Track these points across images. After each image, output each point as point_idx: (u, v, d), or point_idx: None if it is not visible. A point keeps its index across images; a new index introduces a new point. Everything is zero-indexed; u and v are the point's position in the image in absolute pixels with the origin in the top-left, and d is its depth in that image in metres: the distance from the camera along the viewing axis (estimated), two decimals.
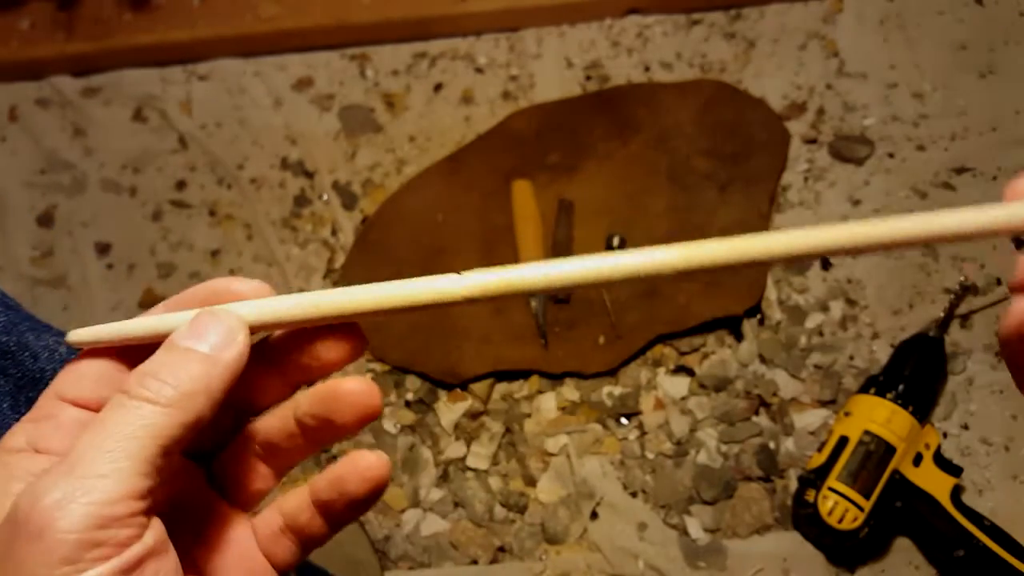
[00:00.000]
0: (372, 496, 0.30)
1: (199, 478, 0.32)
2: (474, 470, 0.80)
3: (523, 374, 0.83)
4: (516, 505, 0.78)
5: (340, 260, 0.90)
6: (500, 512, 0.79)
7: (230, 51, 1.01)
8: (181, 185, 0.96)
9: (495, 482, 0.80)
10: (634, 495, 0.78)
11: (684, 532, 0.76)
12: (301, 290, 0.30)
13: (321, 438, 0.31)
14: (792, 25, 0.97)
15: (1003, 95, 0.91)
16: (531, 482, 0.79)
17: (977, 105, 0.91)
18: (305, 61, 1.00)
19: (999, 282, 0.83)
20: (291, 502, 0.31)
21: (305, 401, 0.30)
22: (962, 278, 0.82)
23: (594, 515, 0.78)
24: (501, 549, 0.78)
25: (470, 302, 0.29)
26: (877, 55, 0.94)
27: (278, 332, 0.30)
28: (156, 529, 0.25)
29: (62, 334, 0.41)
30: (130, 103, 1.01)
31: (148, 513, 0.25)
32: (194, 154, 0.97)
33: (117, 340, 0.29)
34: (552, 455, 0.80)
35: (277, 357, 0.31)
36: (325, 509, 0.31)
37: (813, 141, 0.91)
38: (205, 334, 0.27)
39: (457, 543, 0.78)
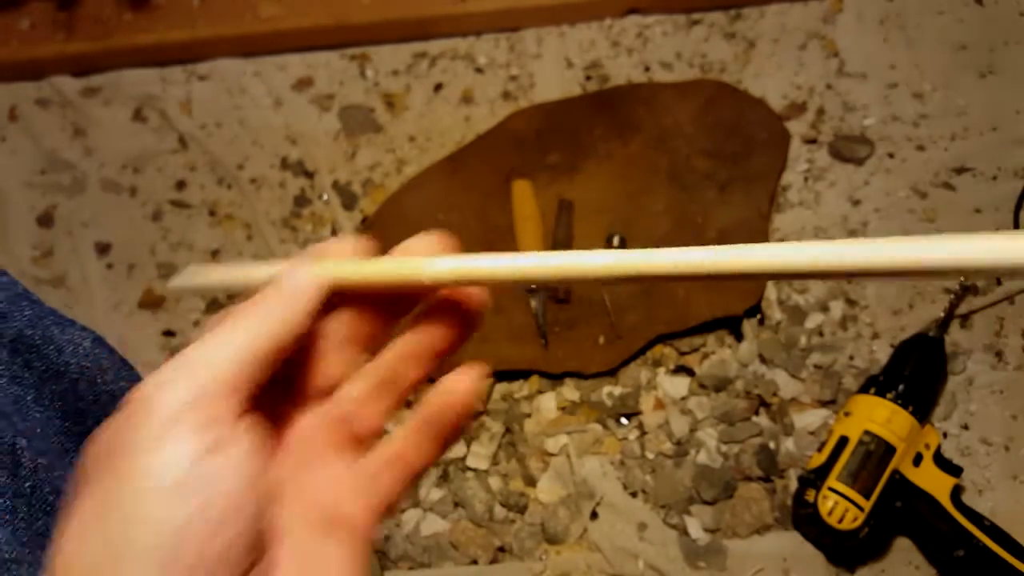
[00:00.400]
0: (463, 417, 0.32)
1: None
2: (474, 470, 0.80)
3: (523, 374, 0.83)
4: (516, 505, 0.78)
5: None
6: (500, 512, 0.79)
7: (230, 51, 1.01)
8: (181, 185, 0.96)
9: (495, 482, 0.80)
10: (634, 495, 0.78)
11: (684, 532, 0.76)
12: None
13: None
14: (792, 25, 0.97)
15: (1003, 95, 0.91)
16: (531, 482, 0.79)
17: (977, 105, 0.91)
18: (305, 61, 1.00)
19: (999, 282, 0.83)
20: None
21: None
22: (962, 278, 0.82)
23: (594, 515, 0.78)
24: (501, 549, 0.78)
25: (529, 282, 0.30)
26: (877, 55, 0.94)
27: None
28: (247, 423, 0.27)
29: (86, 329, 0.42)
30: (130, 103, 1.01)
31: (240, 412, 0.27)
32: (194, 154, 0.97)
33: (218, 287, 0.34)
34: (552, 455, 0.80)
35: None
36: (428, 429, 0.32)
37: (813, 141, 0.91)
38: (288, 278, 0.30)
39: (457, 543, 0.78)
